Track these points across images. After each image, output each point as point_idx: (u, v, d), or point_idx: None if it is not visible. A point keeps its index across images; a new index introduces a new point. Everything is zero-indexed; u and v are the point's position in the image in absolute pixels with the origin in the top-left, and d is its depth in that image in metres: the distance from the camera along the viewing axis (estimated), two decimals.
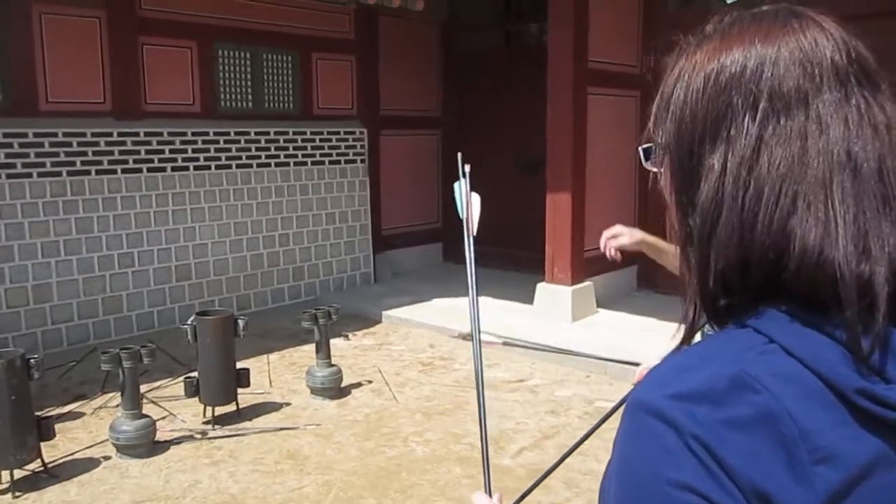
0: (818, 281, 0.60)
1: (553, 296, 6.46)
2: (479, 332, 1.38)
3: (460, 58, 8.88)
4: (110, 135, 6.18)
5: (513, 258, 8.15)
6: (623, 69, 7.01)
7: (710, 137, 0.65)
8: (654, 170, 0.75)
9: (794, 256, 0.61)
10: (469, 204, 1.54)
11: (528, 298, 6.67)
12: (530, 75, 7.55)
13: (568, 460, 3.93)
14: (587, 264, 6.61)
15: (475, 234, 1.50)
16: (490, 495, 1.08)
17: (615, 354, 5.46)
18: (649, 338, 5.80)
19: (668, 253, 1.43)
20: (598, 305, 6.65)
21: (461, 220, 1.53)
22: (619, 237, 1.95)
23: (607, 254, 1.99)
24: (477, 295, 1.40)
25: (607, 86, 6.79)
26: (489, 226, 9.35)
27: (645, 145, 0.75)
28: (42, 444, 3.80)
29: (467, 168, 1.56)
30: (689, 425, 0.58)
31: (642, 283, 7.42)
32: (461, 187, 1.57)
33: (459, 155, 1.58)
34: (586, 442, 4.15)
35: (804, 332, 0.61)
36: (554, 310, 6.42)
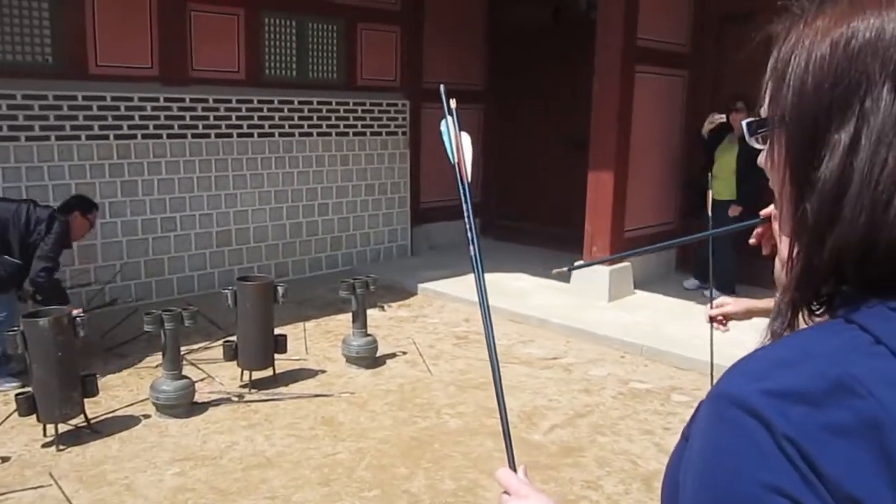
0: None
1: (590, 275, 6.42)
2: (485, 291, 1.24)
3: (506, 33, 8.78)
4: (157, 100, 6.26)
5: (552, 236, 8.10)
6: (672, 48, 6.89)
7: (837, 109, 0.59)
8: (760, 146, 0.70)
9: None
10: (460, 146, 1.36)
11: (566, 277, 6.65)
12: (577, 51, 7.45)
13: (601, 440, 3.94)
14: (626, 244, 6.56)
15: (469, 180, 1.33)
16: (514, 470, 1.06)
17: (651, 336, 5.42)
18: (685, 321, 5.74)
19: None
20: (636, 286, 6.60)
21: (453, 166, 1.36)
22: (724, 306, 1.93)
23: (716, 326, 1.96)
24: (479, 252, 1.22)
25: (655, 64, 6.68)
26: (531, 203, 9.27)
27: (750, 119, 0.70)
28: (85, 400, 3.92)
29: (453, 104, 1.36)
30: (782, 426, 0.53)
31: (680, 265, 7.34)
32: (449, 126, 1.38)
33: (442, 87, 1.39)
34: (620, 423, 4.16)
35: None
36: (591, 289, 6.38)
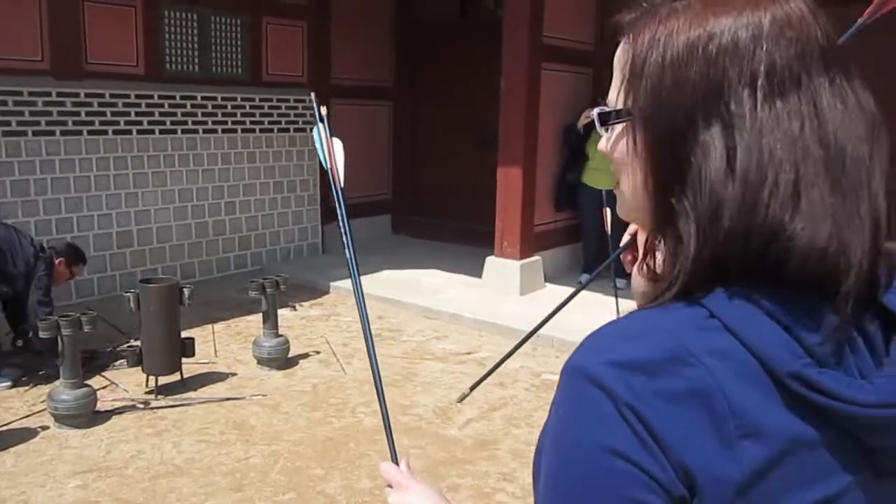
0: (811, 267, 0.60)
1: (502, 270, 6.49)
2: (361, 288, 1.29)
3: (415, 29, 8.76)
4: (49, 94, 5.94)
5: (465, 232, 8.16)
6: (578, 46, 7.03)
7: (702, 111, 0.62)
8: (605, 134, 0.72)
9: (794, 240, 0.60)
10: (332, 152, 1.40)
11: (479, 272, 6.70)
12: (485, 49, 7.50)
13: (515, 432, 3.99)
14: (536, 239, 6.67)
15: (342, 185, 1.37)
16: (397, 463, 1.09)
17: (562, 329, 5.53)
18: (593, 313, 5.89)
19: None
20: (546, 280, 6.72)
21: (326, 170, 1.41)
22: None
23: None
24: (355, 254, 1.28)
25: (562, 62, 6.81)
26: (442, 199, 9.29)
27: (603, 109, 0.71)
28: None
29: (324, 111, 1.42)
30: (624, 394, 0.58)
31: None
32: (321, 133, 1.42)
33: (313, 95, 1.44)
34: (533, 414, 4.22)
35: (748, 311, 0.61)
36: (502, 283, 6.45)
